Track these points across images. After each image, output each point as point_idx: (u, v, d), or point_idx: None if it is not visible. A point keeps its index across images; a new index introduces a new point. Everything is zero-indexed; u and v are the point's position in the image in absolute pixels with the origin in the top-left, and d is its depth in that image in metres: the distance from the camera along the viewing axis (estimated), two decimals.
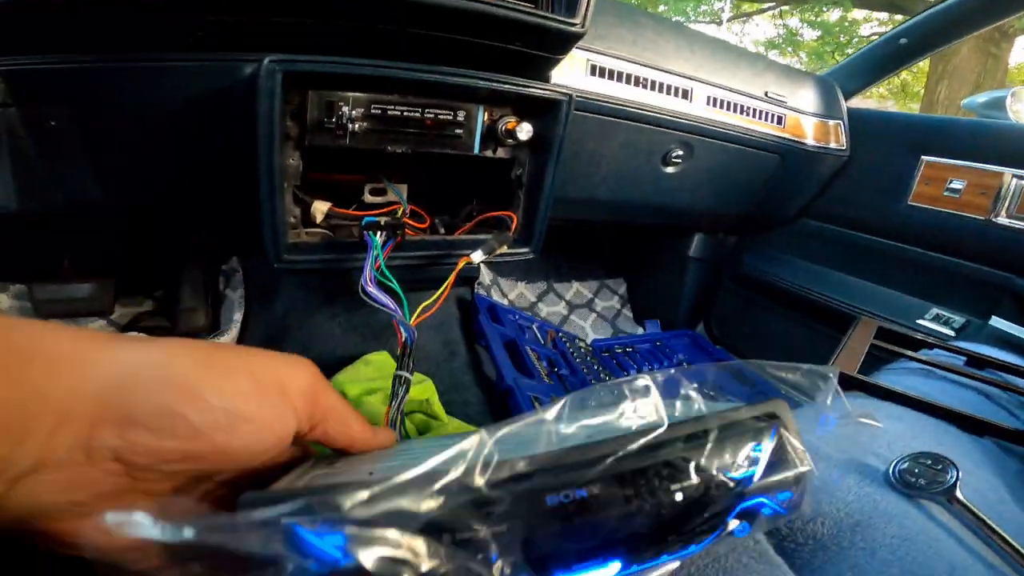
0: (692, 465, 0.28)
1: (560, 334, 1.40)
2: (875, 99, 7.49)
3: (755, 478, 0.30)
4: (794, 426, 0.32)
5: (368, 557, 0.21)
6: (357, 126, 0.69)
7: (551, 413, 0.28)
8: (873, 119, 1.36)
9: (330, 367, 1.00)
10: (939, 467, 0.48)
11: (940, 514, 0.46)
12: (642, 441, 0.27)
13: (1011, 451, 0.60)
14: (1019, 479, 0.56)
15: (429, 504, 0.23)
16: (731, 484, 0.29)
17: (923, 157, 1.21)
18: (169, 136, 0.74)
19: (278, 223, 0.69)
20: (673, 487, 0.28)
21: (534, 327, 1.36)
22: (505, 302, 1.50)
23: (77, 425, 0.21)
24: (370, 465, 0.29)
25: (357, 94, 0.69)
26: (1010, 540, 0.43)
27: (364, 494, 0.22)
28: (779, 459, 0.31)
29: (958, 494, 0.46)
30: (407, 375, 0.60)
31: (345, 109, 0.68)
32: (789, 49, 8.45)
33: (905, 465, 0.49)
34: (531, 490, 0.25)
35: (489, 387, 1.14)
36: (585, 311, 1.68)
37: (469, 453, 0.24)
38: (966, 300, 1.16)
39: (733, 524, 0.30)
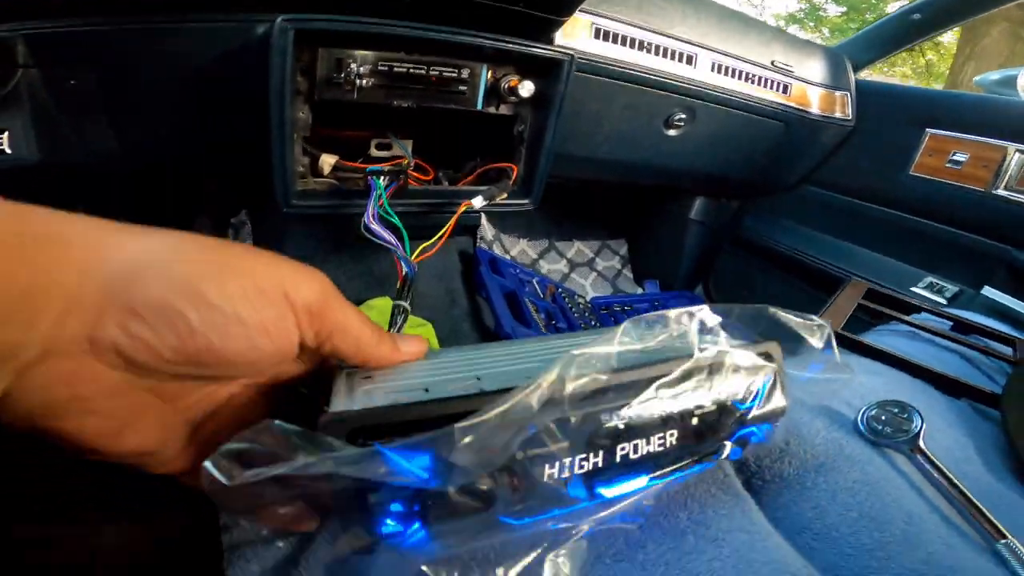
0: (710, 394, 0.33)
1: (560, 289, 1.42)
2: (898, 78, 7.33)
3: (754, 409, 0.35)
4: (783, 366, 0.37)
5: (452, 483, 0.24)
6: (365, 81, 0.71)
7: (615, 337, 0.30)
8: (881, 91, 1.35)
9: None
10: (904, 415, 0.50)
11: (903, 463, 0.49)
12: (678, 372, 0.31)
13: (986, 415, 0.61)
14: (989, 441, 0.57)
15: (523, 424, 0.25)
16: (737, 413, 0.34)
17: (928, 130, 1.21)
18: (187, 91, 0.76)
19: (288, 171, 0.73)
20: (696, 411, 0.32)
21: (534, 282, 1.38)
22: (507, 258, 1.52)
23: (83, 314, 0.21)
24: (417, 379, 0.29)
25: (365, 52, 0.71)
26: (966, 492, 0.45)
27: (468, 438, 0.23)
28: (770, 395, 0.36)
29: (921, 443, 0.48)
30: (405, 305, 0.64)
31: (353, 66, 0.70)
32: (811, 24, 8.19)
33: (873, 412, 0.51)
34: (593, 412, 0.28)
35: (488, 335, 1.17)
36: (586, 270, 1.70)
37: (554, 373, 0.26)
38: (960, 270, 1.16)
39: (729, 448, 0.35)
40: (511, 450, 0.25)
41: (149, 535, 0.42)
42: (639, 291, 1.71)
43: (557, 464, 0.27)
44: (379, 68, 0.72)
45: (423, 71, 0.74)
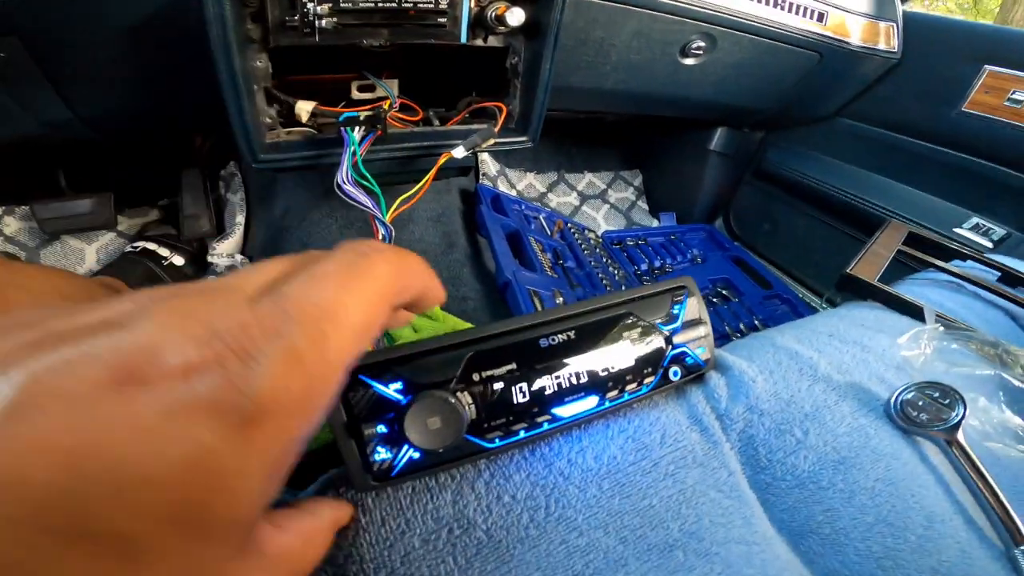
0: (634, 317, 0.39)
1: (568, 225, 1.34)
2: (942, 13, 6.86)
3: (679, 329, 0.41)
4: (699, 295, 0.43)
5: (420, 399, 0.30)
6: (325, 22, 0.62)
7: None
8: (934, 24, 1.22)
9: None
10: (946, 401, 0.44)
11: (935, 456, 0.43)
12: (597, 305, 0.38)
13: None
14: None
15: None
16: (663, 334, 0.40)
17: (986, 66, 1.09)
18: (128, 55, 0.72)
19: (248, 124, 0.65)
20: (624, 333, 0.38)
21: (541, 217, 1.30)
22: (513, 193, 1.43)
23: None
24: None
25: None
26: (996, 490, 0.40)
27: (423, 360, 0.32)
28: (693, 320, 0.42)
29: (959, 436, 0.42)
30: None
31: (310, 5, 0.61)
32: None
33: (909, 396, 0.45)
34: (529, 338, 0.35)
35: (488, 281, 1.11)
36: (598, 202, 1.61)
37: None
38: (1010, 211, 1.08)
39: (669, 369, 0.41)
40: (459, 365, 0.32)
41: None
42: (654, 224, 1.63)
43: (510, 386, 0.34)
44: (341, 5, 0.63)
45: (394, 4, 0.64)
